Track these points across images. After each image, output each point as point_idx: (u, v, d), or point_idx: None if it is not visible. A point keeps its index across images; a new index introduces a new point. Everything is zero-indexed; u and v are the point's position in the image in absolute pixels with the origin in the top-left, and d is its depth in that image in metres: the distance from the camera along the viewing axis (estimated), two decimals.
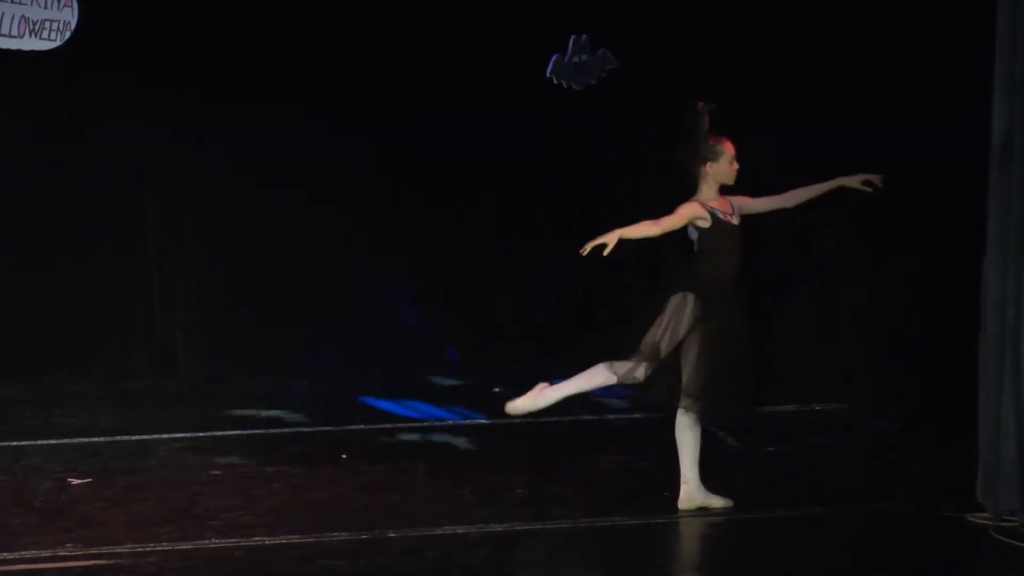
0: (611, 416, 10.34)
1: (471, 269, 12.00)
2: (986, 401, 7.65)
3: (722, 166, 7.80)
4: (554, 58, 7.77)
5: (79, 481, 8.66)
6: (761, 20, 11.15)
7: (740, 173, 7.77)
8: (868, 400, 10.46)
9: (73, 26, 10.33)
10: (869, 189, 7.82)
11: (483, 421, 10.28)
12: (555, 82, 7.77)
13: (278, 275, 11.81)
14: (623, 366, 7.70)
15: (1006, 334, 7.51)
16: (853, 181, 7.84)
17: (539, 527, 7.69)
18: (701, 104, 7.84)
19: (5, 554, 7.17)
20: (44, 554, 7.18)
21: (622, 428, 10.10)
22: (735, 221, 7.80)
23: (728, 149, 7.82)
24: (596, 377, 7.80)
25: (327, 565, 7.05)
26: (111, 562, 7.06)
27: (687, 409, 7.73)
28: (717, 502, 7.82)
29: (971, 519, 7.64)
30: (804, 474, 8.87)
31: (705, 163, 7.79)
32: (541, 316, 12.40)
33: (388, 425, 10.21)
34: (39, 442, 9.74)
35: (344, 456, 9.33)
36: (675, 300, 7.69)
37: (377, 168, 11.78)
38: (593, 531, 7.61)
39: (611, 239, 7.49)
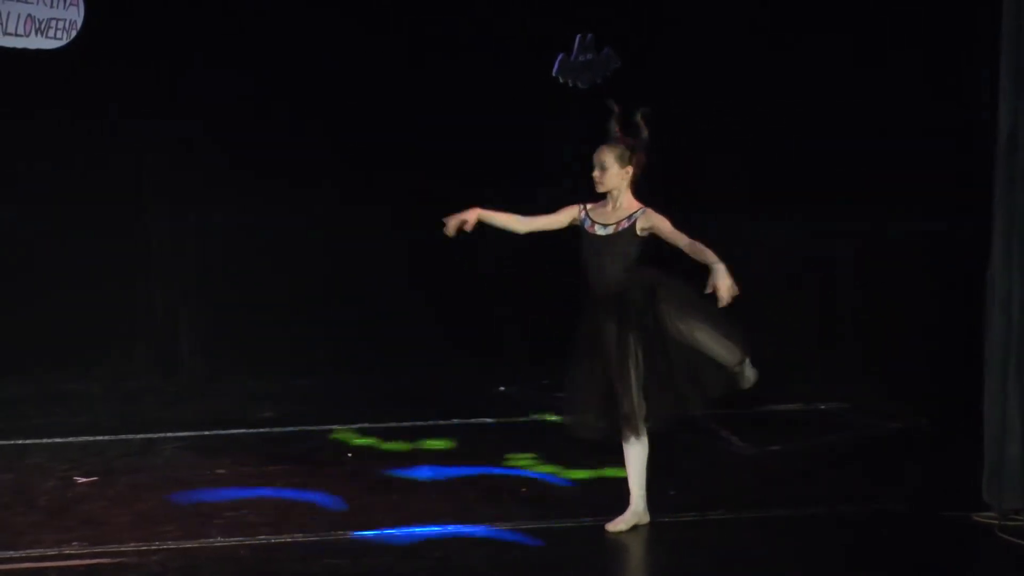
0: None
1: (475, 270, 11.98)
2: (991, 399, 7.65)
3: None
4: (560, 57, 7.75)
5: (84, 480, 8.66)
6: (757, 18, 11.16)
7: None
8: (872, 399, 10.45)
9: (79, 25, 10.32)
10: (721, 298, 7.17)
11: (487, 421, 10.27)
12: (561, 81, 7.75)
13: (280, 274, 11.79)
14: (632, 419, 7.50)
15: (1011, 332, 7.51)
16: (721, 281, 7.15)
17: (542, 526, 7.68)
18: (608, 103, 7.63)
19: (10, 552, 7.17)
20: (48, 553, 7.19)
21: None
22: (602, 232, 7.50)
23: (595, 154, 7.54)
24: (634, 453, 7.58)
25: (330, 564, 7.05)
26: (115, 561, 7.06)
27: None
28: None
29: (976, 518, 7.64)
30: (807, 473, 8.87)
31: None
32: (544, 319, 12.38)
33: (393, 424, 10.20)
34: (42, 441, 9.74)
35: (349, 455, 9.33)
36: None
37: (380, 169, 11.77)
38: (595, 531, 7.60)
39: (471, 216, 7.52)
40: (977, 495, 7.71)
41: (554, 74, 7.82)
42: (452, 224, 7.58)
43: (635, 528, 7.57)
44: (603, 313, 7.49)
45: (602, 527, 7.56)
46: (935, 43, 10.17)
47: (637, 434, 7.50)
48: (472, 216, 7.54)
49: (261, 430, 10.13)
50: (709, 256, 7.25)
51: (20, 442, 9.69)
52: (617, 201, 7.53)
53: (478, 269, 11.90)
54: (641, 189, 7.53)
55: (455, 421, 10.31)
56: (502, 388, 11.36)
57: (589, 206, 7.62)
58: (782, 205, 11.18)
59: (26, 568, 6.98)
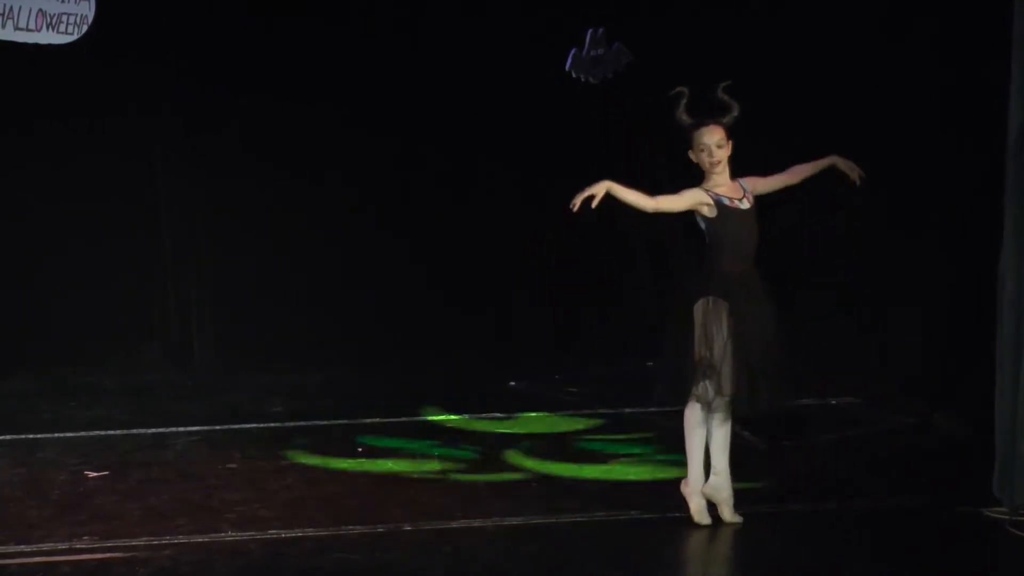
0: (627, 410, 10.33)
1: (489, 266, 11.99)
2: (1002, 395, 7.64)
3: (697, 154, 7.56)
4: (572, 52, 7.73)
5: (95, 474, 8.68)
6: (768, 19, 11.14)
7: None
8: (884, 394, 10.43)
9: (90, 20, 10.33)
10: (854, 179, 7.58)
11: (498, 415, 10.27)
12: (574, 76, 7.73)
13: (293, 268, 11.81)
14: (700, 399, 7.49)
15: (1022, 329, 7.49)
16: (843, 164, 7.57)
17: (554, 521, 7.69)
18: (678, 89, 7.60)
19: (22, 546, 7.20)
20: (60, 547, 7.21)
21: (639, 421, 10.08)
22: (745, 205, 7.53)
23: (701, 136, 7.51)
24: (696, 430, 7.58)
25: (342, 559, 7.05)
26: (127, 555, 7.08)
27: (716, 408, 7.53)
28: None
29: (987, 513, 7.63)
30: (819, 469, 8.86)
31: (689, 150, 7.60)
32: (559, 313, 12.39)
33: (404, 419, 10.21)
34: (54, 435, 9.76)
35: (360, 449, 9.34)
36: (700, 306, 7.45)
37: (395, 164, 11.78)
38: (608, 525, 7.61)
39: (599, 190, 7.25)
40: (988, 490, 7.70)
41: (567, 68, 7.80)
42: (579, 199, 7.28)
43: (651, 524, 7.58)
44: (744, 292, 7.48)
45: (616, 520, 7.58)
46: (946, 40, 10.15)
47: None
48: (601, 190, 7.27)
49: (273, 424, 10.14)
50: (817, 163, 7.60)
51: (32, 436, 9.71)
52: (726, 176, 7.57)
53: (495, 263, 11.93)
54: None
55: (465, 415, 10.30)
56: (512, 383, 11.36)
57: (708, 186, 7.56)
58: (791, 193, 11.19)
59: (38, 562, 6.99)
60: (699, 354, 7.43)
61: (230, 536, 7.41)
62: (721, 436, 7.62)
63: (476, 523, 7.63)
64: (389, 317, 11.92)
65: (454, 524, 7.61)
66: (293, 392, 11.12)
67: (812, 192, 10.87)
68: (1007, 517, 7.53)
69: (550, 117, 11.46)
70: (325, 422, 10.15)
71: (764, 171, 11.37)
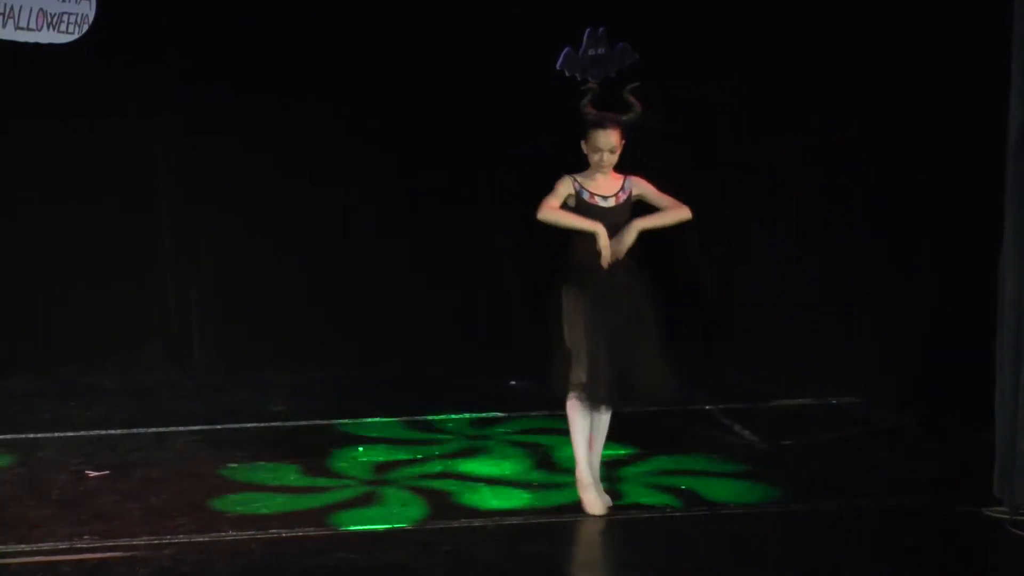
0: (627, 409, 10.31)
1: (489, 266, 11.98)
2: (1002, 395, 7.65)
3: (589, 151, 7.67)
4: (565, 51, 7.71)
5: (96, 474, 8.68)
6: (767, 19, 11.15)
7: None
8: (884, 394, 10.44)
9: (91, 19, 10.32)
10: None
11: (498, 414, 10.27)
12: (567, 75, 7.72)
13: (293, 268, 11.81)
14: (574, 391, 7.62)
15: (1022, 329, 7.50)
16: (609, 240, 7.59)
17: (554, 520, 7.69)
18: (590, 85, 7.72)
19: (23, 546, 7.20)
20: (60, 546, 7.21)
21: (638, 421, 10.07)
22: (609, 204, 7.64)
23: (598, 138, 7.63)
24: (577, 421, 7.71)
25: (343, 558, 7.06)
26: (127, 554, 7.09)
27: (579, 400, 7.66)
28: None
29: (988, 513, 7.64)
30: (819, 468, 8.86)
31: (583, 141, 7.71)
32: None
33: (404, 418, 10.21)
34: (54, 435, 9.76)
35: (360, 449, 9.34)
36: (564, 297, 7.66)
37: (396, 164, 11.76)
38: (607, 524, 7.61)
39: (630, 237, 7.55)
40: (988, 490, 7.71)
41: (558, 67, 7.79)
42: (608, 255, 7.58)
43: (647, 521, 7.59)
44: (605, 286, 7.54)
45: (615, 520, 7.57)
46: (946, 37, 10.15)
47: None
48: (631, 236, 7.58)
49: (274, 423, 10.15)
50: (669, 216, 7.59)
51: (33, 436, 9.71)
52: (608, 172, 7.67)
53: (496, 263, 11.92)
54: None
55: (466, 415, 10.31)
56: (513, 382, 11.35)
57: (578, 177, 7.69)
58: (792, 196, 11.23)
59: (38, 561, 7.00)
60: (567, 344, 7.61)
61: (231, 536, 7.41)
62: (599, 425, 7.75)
63: (476, 523, 7.63)
64: (390, 317, 11.91)
65: (454, 524, 7.61)
66: (293, 391, 11.12)
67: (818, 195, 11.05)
68: (1007, 517, 7.54)
69: (550, 117, 11.44)
70: (325, 421, 10.15)
71: (764, 171, 11.45)
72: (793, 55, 10.98)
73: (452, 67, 11.61)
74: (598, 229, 7.55)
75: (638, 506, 7.95)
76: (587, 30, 7.85)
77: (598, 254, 7.55)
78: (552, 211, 7.63)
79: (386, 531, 7.49)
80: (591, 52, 7.78)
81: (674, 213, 7.69)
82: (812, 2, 10.88)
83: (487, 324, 12.16)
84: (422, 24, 11.70)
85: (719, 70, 11.30)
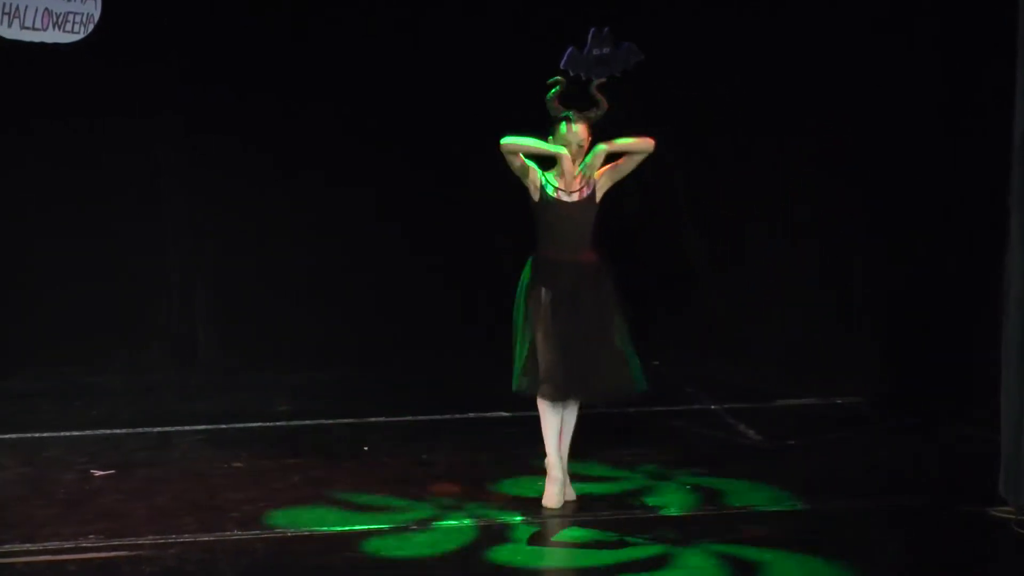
0: (631, 409, 10.32)
1: (490, 266, 11.98)
2: (1007, 395, 7.64)
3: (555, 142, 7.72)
4: (569, 50, 7.71)
5: (101, 473, 8.69)
6: (769, 19, 11.15)
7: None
8: (888, 394, 10.44)
9: (96, 19, 10.33)
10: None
11: (503, 414, 10.27)
12: (571, 74, 7.72)
13: (297, 268, 11.82)
14: (541, 388, 7.65)
15: None
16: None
17: (558, 519, 7.70)
18: (557, 78, 7.73)
19: (28, 545, 7.20)
20: (66, 545, 7.22)
21: (643, 421, 10.08)
22: (573, 198, 7.65)
23: (566, 135, 7.71)
24: (547, 416, 7.75)
25: (349, 557, 7.06)
26: (133, 554, 7.09)
27: (541, 395, 7.70)
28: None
29: (993, 513, 7.64)
30: (823, 468, 8.86)
31: (549, 136, 7.75)
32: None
33: (409, 418, 10.22)
34: (60, 434, 9.76)
35: (365, 448, 9.35)
36: (526, 293, 7.70)
37: (398, 163, 11.77)
38: (611, 523, 7.61)
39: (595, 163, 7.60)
40: (993, 490, 7.71)
41: (562, 66, 7.79)
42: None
43: (649, 523, 7.59)
44: (565, 280, 7.57)
45: (619, 519, 7.58)
46: (948, 37, 10.16)
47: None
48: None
49: (278, 423, 10.15)
50: (633, 143, 7.61)
51: (38, 435, 9.72)
52: (572, 166, 7.65)
53: (497, 263, 11.90)
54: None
55: (471, 415, 10.31)
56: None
57: (554, 172, 7.73)
58: (792, 195, 11.24)
59: (44, 561, 7.01)
60: (529, 344, 7.64)
61: (236, 535, 7.41)
62: (568, 421, 7.79)
63: (482, 522, 7.63)
64: (393, 316, 11.91)
65: (454, 524, 7.61)
66: (297, 391, 11.12)
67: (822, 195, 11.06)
68: (1012, 516, 7.54)
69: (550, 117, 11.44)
70: (330, 420, 10.15)
71: (764, 171, 11.45)
72: (794, 55, 10.99)
73: (453, 67, 11.62)
74: (563, 152, 7.58)
75: (643, 506, 7.96)
76: (592, 29, 7.85)
77: (563, 257, 7.59)
78: (514, 138, 7.62)
79: (392, 530, 7.48)
80: (596, 52, 7.78)
81: (638, 140, 7.67)
82: (813, 2, 10.90)
83: (487, 324, 12.16)
84: (423, 24, 11.72)
85: (720, 70, 11.32)
